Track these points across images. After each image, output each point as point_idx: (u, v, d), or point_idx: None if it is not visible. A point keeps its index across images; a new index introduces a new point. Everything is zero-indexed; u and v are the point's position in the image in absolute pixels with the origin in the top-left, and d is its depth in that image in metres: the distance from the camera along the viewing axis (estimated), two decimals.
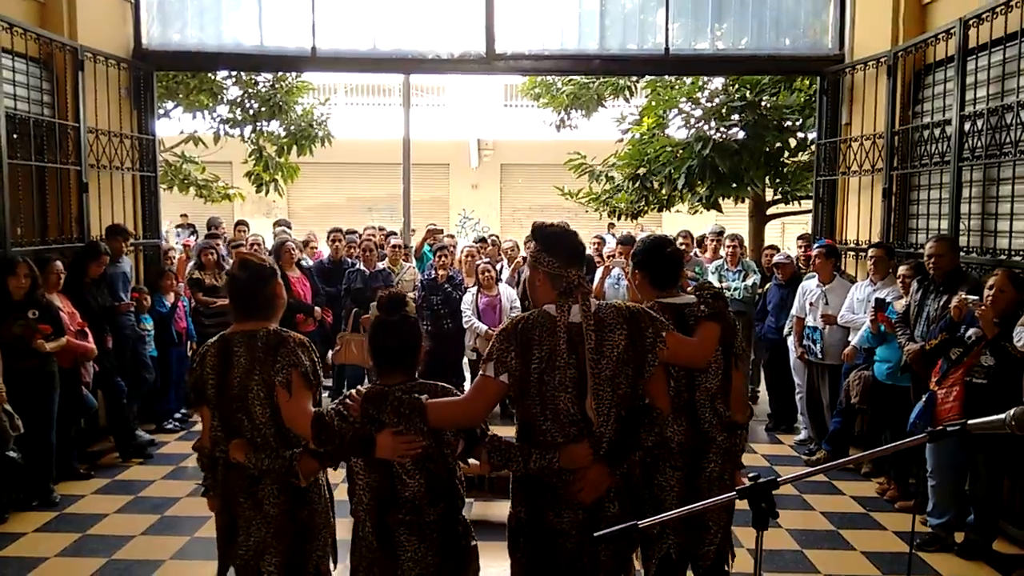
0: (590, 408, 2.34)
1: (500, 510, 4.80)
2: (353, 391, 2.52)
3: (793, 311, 6.33)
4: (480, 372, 2.43)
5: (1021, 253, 4.87)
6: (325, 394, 7.10)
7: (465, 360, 7.50)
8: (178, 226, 13.63)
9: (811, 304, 6.09)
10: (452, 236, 9.87)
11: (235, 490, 2.69)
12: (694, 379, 2.96)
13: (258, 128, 10.51)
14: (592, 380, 2.34)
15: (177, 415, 6.98)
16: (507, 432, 2.60)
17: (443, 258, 7.36)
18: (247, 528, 2.67)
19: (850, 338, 5.77)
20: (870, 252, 5.79)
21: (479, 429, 2.55)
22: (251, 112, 10.26)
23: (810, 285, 6.20)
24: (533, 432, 2.44)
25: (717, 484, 2.90)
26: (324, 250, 8.97)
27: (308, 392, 2.62)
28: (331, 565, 2.84)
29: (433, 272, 7.33)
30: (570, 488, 2.39)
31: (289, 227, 10.01)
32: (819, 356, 6.05)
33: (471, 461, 2.61)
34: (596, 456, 2.39)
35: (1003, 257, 4.96)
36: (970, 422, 1.87)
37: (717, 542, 2.98)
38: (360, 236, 8.37)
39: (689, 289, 3.09)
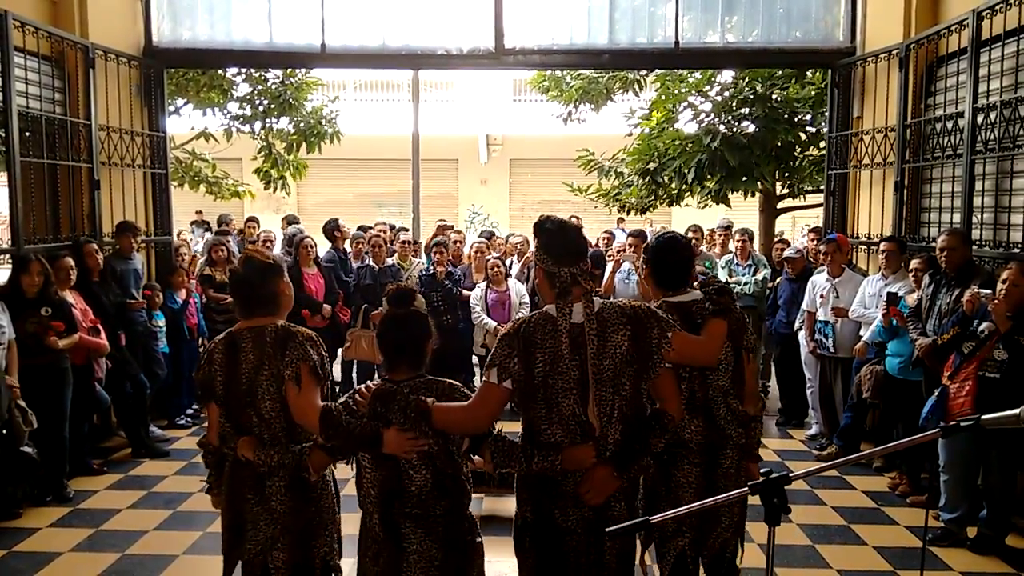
0: (592, 412, 2.33)
1: (509, 505, 4.83)
2: (363, 387, 2.54)
3: (804, 305, 6.31)
4: (484, 378, 2.42)
5: None
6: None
7: (475, 356, 7.50)
8: (193, 223, 13.71)
9: (821, 297, 6.06)
10: (459, 232, 9.87)
11: (242, 488, 2.69)
12: (707, 377, 2.94)
13: (268, 125, 10.54)
14: (594, 383, 2.33)
15: (189, 411, 7.02)
16: (514, 427, 2.60)
17: (439, 254, 7.33)
18: (255, 525, 2.67)
19: (861, 332, 5.74)
20: (882, 246, 5.75)
21: None
22: (261, 109, 10.29)
23: (820, 279, 6.17)
24: (536, 433, 2.42)
25: (734, 479, 2.88)
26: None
27: (317, 386, 2.62)
28: (337, 560, 2.85)
29: (432, 269, 7.31)
30: (578, 489, 2.38)
31: (298, 223, 10.03)
32: (831, 350, 6.03)
33: (475, 458, 2.62)
34: (601, 458, 2.38)
35: (1016, 250, 4.92)
36: (984, 417, 1.86)
37: (728, 535, 2.96)
38: (366, 232, 8.37)
39: (696, 285, 3.07)
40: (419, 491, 2.48)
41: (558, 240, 2.47)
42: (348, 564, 2.91)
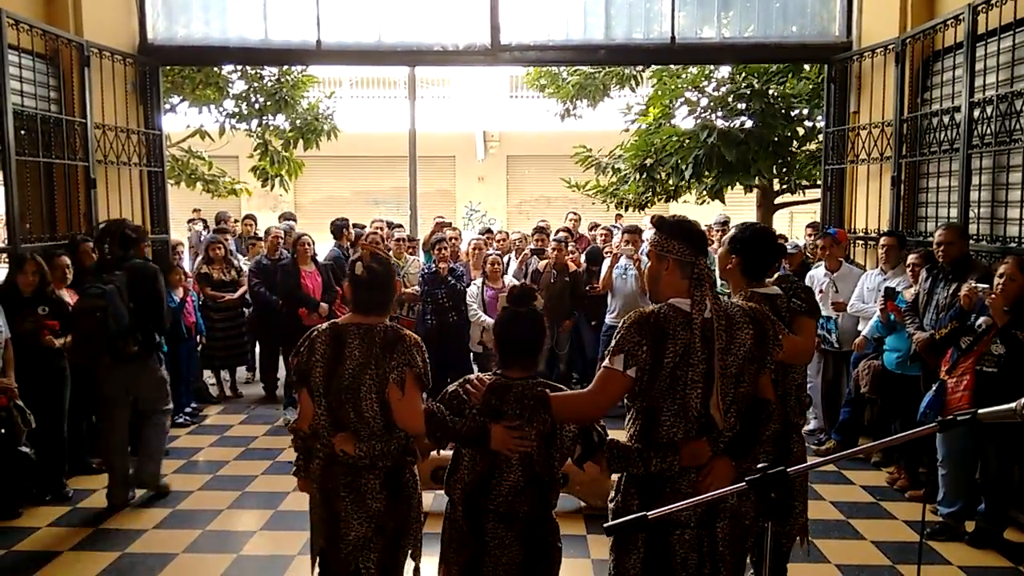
0: (715, 406, 2.32)
1: None
2: (474, 377, 2.58)
3: None
4: (606, 364, 2.35)
5: None
6: None
7: (471, 354, 7.47)
8: (190, 220, 13.67)
9: (820, 292, 6.06)
10: (455, 228, 9.85)
11: (336, 485, 2.68)
12: (786, 372, 3.06)
13: (264, 122, 10.52)
14: (719, 378, 2.33)
15: (187, 409, 7.01)
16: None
17: (442, 251, 7.33)
18: (347, 523, 2.67)
19: (860, 327, 5.75)
20: (882, 240, 5.75)
21: (596, 434, 2.56)
22: (257, 106, 10.26)
23: (818, 274, 6.17)
24: (655, 426, 2.38)
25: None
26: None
27: (420, 392, 2.63)
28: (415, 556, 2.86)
29: (434, 266, 7.29)
30: (699, 486, 2.36)
31: (294, 220, 10.02)
32: (835, 345, 6.04)
33: (588, 463, 2.64)
34: (716, 451, 2.39)
35: (1013, 245, 4.93)
36: (981, 411, 1.85)
37: (802, 522, 3.17)
38: (364, 231, 8.35)
39: (771, 280, 3.16)
40: (508, 490, 2.52)
41: (692, 230, 2.47)
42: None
